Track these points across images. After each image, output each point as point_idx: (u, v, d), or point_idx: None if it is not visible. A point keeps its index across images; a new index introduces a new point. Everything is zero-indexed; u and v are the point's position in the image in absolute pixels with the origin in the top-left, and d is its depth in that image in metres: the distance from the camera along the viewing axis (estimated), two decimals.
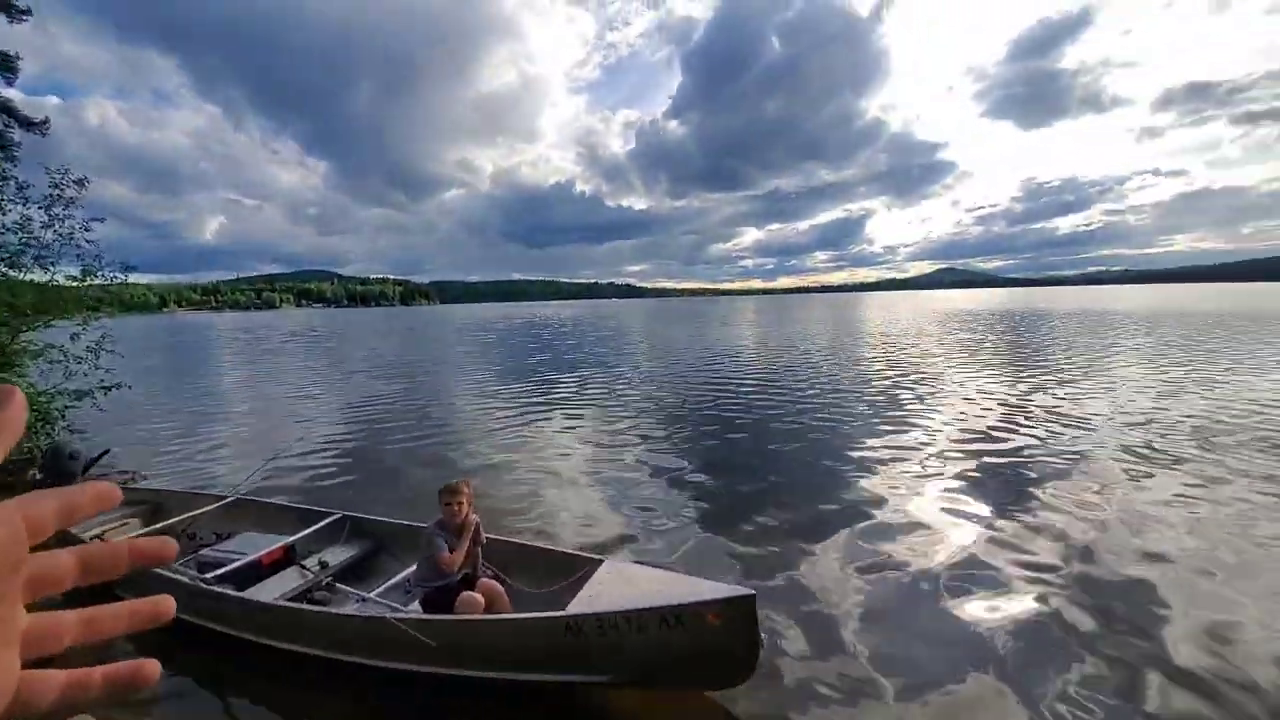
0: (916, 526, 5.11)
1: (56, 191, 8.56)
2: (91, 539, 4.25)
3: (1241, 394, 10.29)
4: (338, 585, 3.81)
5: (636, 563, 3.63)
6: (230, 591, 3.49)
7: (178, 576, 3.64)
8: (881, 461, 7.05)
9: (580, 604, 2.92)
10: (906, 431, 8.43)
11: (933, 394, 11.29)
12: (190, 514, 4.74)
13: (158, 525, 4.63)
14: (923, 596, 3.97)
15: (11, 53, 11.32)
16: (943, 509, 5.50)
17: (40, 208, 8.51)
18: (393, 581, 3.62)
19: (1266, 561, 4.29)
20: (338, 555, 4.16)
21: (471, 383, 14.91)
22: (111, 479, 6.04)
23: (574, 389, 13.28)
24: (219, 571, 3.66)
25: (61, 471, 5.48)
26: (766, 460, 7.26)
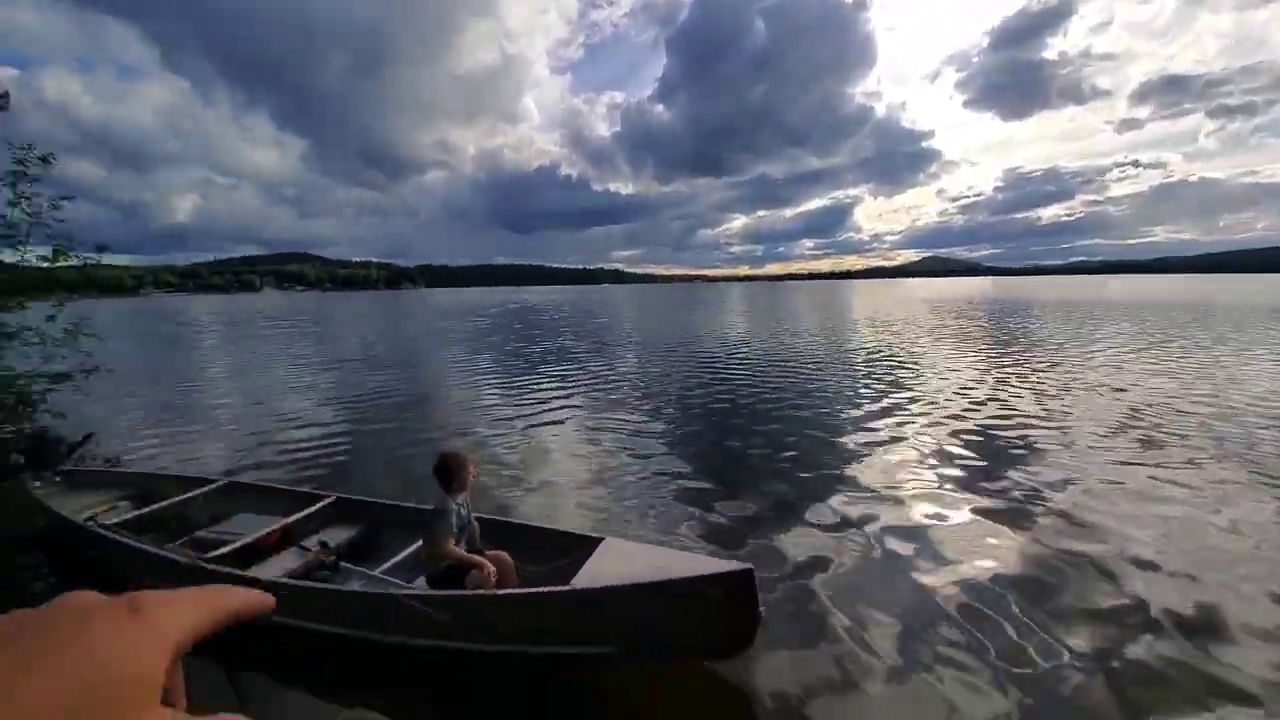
0: (909, 503, 5.25)
1: (21, 169, 8.25)
2: (85, 521, 4.22)
3: (1237, 383, 10.61)
4: (341, 564, 3.83)
5: (634, 541, 3.70)
6: (234, 570, 3.49)
7: (174, 557, 3.64)
8: (875, 442, 7.21)
9: (583, 580, 3.01)
10: (897, 413, 8.60)
11: (923, 377, 11.50)
12: (181, 498, 4.71)
13: (147, 509, 4.60)
14: (918, 572, 4.08)
15: None
16: (937, 487, 5.66)
17: (5, 185, 8.21)
18: (396, 559, 3.66)
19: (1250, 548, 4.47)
20: (336, 536, 4.18)
21: (464, 369, 14.85)
22: (97, 463, 5.98)
23: (568, 374, 13.30)
24: (218, 552, 3.67)
25: (46, 456, 5.41)
26: (763, 442, 7.34)
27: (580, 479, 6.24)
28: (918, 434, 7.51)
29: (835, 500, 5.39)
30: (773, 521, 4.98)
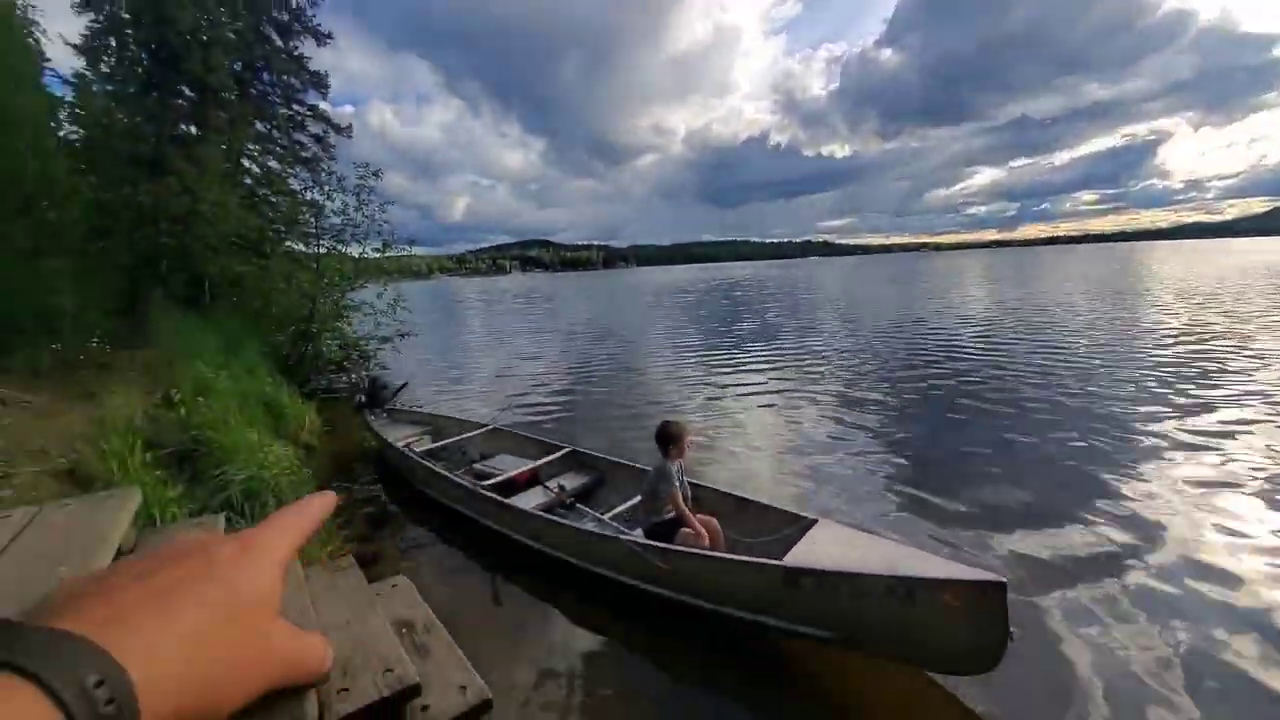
0: (1222, 546, 3.90)
1: (362, 182, 10.99)
2: (402, 447, 5.54)
3: None
4: (577, 505, 4.38)
5: (852, 528, 3.44)
6: (499, 498, 4.26)
7: (462, 481, 4.58)
8: (1183, 458, 5.44)
9: (798, 557, 2.90)
10: (1225, 425, 6.38)
11: (1269, 378, 8.35)
12: (462, 436, 5.89)
13: (440, 443, 5.86)
14: (1229, 642, 3.03)
15: (323, 72, 14.67)
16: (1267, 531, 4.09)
17: (353, 194, 11.04)
18: (619, 509, 4.06)
19: None
20: (571, 481, 4.79)
21: (673, 343, 15.61)
22: (410, 407, 7.74)
23: (773, 350, 12.99)
24: (488, 482, 4.50)
25: (377, 398, 7.20)
26: (1011, 438, 6.19)
27: (786, 457, 6.04)
28: (1252, 455, 5.47)
29: (1122, 524, 4.26)
30: (1024, 533, 4.15)
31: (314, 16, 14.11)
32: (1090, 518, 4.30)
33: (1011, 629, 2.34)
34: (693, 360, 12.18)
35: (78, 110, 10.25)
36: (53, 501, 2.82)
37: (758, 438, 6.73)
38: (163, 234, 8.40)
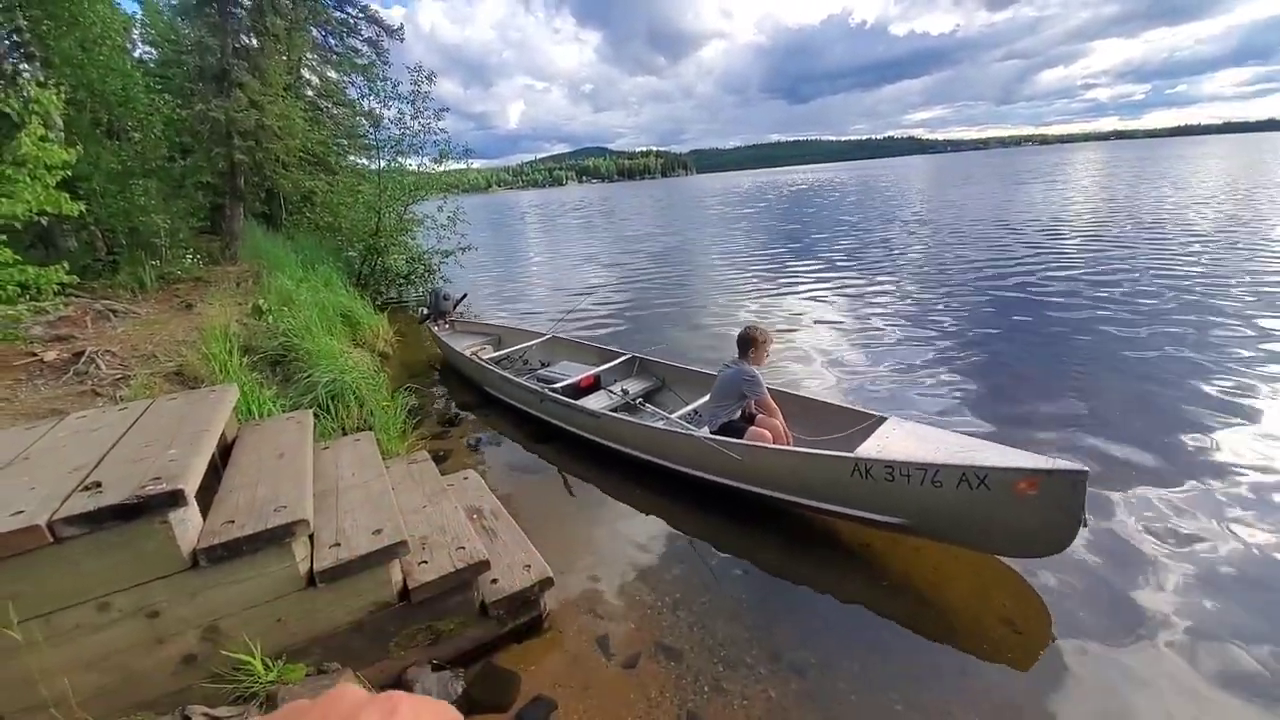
0: None
1: (416, 88, 10.73)
2: (470, 355, 5.79)
3: None
4: (645, 406, 4.49)
5: (925, 425, 3.39)
6: (570, 400, 4.44)
7: (530, 385, 4.81)
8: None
9: (867, 451, 2.96)
10: None
11: None
12: (522, 345, 6.08)
13: (502, 351, 6.08)
14: None
15: None
16: None
17: (408, 102, 10.82)
18: (684, 410, 4.16)
19: None
20: (634, 385, 4.92)
21: (731, 252, 15.11)
22: (469, 317, 8.01)
23: (843, 263, 12.32)
24: (555, 385, 4.68)
25: (439, 309, 7.45)
26: (1091, 356, 5.74)
27: (852, 363, 5.93)
28: None
29: (1212, 436, 3.93)
30: (1102, 437, 3.99)
31: None
32: (1177, 428, 4.04)
33: (1086, 515, 2.38)
34: (751, 271, 11.76)
35: (148, 29, 10.41)
36: (163, 395, 3.18)
37: (824, 345, 6.57)
38: (237, 150, 8.71)
